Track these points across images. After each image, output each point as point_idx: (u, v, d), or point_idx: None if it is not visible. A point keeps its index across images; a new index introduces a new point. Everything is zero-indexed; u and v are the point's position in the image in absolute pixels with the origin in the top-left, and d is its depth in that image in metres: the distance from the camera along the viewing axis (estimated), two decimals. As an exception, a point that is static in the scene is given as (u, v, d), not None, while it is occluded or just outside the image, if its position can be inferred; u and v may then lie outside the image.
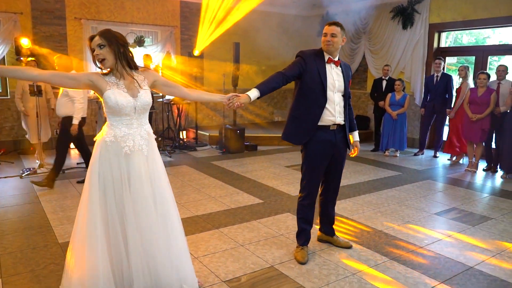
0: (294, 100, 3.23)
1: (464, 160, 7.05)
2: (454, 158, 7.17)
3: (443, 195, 5.23)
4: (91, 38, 2.34)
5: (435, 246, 3.60)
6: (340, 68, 3.20)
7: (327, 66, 3.15)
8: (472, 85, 6.66)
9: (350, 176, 6.01)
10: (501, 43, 7.35)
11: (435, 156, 7.49)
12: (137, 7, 8.32)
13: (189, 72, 8.17)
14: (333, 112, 3.15)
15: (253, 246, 3.54)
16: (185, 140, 8.22)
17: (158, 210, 2.45)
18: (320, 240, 3.65)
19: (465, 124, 6.46)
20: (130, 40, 8.19)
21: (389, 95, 7.51)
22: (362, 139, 8.83)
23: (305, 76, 3.11)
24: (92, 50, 2.35)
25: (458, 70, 6.89)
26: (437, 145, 7.56)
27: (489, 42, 7.53)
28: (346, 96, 3.25)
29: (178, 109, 8.05)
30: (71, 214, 4.24)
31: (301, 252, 3.32)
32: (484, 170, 6.52)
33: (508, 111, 5.95)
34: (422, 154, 7.68)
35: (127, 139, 2.37)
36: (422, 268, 3.18)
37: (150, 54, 7.89)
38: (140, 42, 8.23)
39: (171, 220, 2.52)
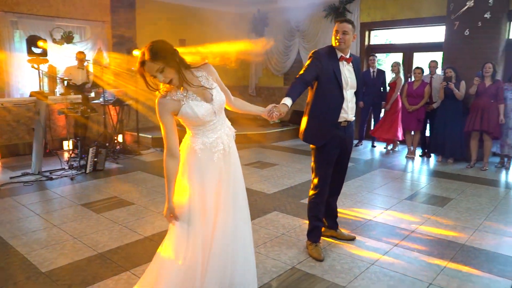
0: (312, 100, 3.22)
1: (399, 148, 7.73)
2: (389, 147, 7.79)
3: (401, 181, 5.68)
4: (142, 64, 2.06)
5: (423, 229, 3.89)
6: (351, 65, 3.23)
7: (340, 64, 3.16)
8: (403, 79, 7.31)
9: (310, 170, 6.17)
10: (425, 42, 8.14)
11: (373, 146, 8.06)
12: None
13: (128, 69, 7.62)
14: (346, 110, 3.21)
15: (263, 249, 3.47)
16: (127, 144, 7.66)
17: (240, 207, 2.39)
18: (323, 235, 3.70)
19: (403, 115, 7.07)
20: (57, 36, 7.39)
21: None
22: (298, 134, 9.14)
23: (322, 76, 3.11)
24: (151, 76, 2.10)
25: (392, 66, 7.49)
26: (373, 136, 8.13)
27: (415, 40, 8.30)
28: (358, 92, 3.31)
29: (119, 111, 7.46)
30: (37, 237, 3.70)
31: (316, 249, 3.33)
32: (420, 156, 7.22)
33: (441, 101, 6.63)
34: (361, 145, 8.21)
35: (217, 143, 2.27)
36: (426, 250, 3.42)
37: (84, 52, 7.19)
38: (68, 38, 7.46)
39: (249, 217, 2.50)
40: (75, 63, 7.17)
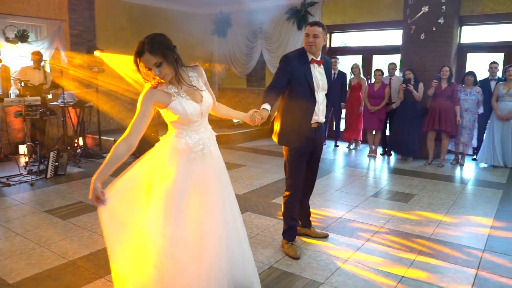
0: (285, 103, 3.25)
1: (360, 147, 8.00)
2: (352, 146, 8.04)
3: (366, 179, 5.88)
4: (140, 54, 2.04)
5: (391, 225, 4.05)
6: (322, 67, 3.28)
7: (311, 67, 3.21)
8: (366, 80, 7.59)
9: (278, 170, 6.25)
10: (384, 45, 8.46)
11: (336, 146, 8.28)
12: (16, -4, 7.14)
13: (89, 71, 7.37)
14: (318, 112, 3.27)
15: (239, 249, 3.47)
16: (88, 147, 7.39)
17: (229, 212, 2.40)
18: (297, 233, 3.75)
19: (365, 116, 7.32)
20: (11, 35, 7.01)
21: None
22: (263, 135, 9.25)
23: (293, 80, 3.16)
24: (146, 68, 2.09)
25: (352, 68, 7.73)
26: (336, 135, 8.36)
27: (373, 43, 8.61)
28: (329, 94, 3.36)
29: (79, 113, 7.19)
30: None
31: (291, 247, 3.39)
32: (381, 154, 7.50)
33: (400, 102, 6.93)
34: (325, 144, 8.40)
35: (198, 144, 2.27)
36: (395, 245, 3.57)
37: (40, 51, 6.86)
38: (23, 37, 7.08)
39: (240, 220, 2.51)
40: (31, 63, 6.84)
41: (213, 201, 2.29)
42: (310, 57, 3.22)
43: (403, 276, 3.02)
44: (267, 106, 2.89)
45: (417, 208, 4.56)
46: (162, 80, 2.14)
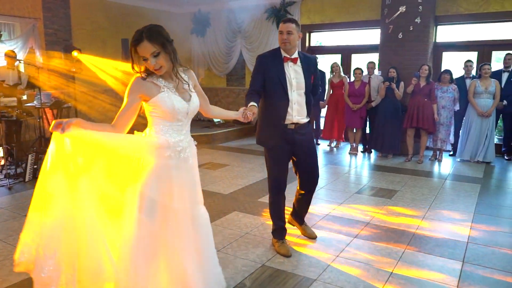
0: (262, 103, 3.20)
1: (341, 145, 8.12)
2: (333, 144, 8.14)
3: (349, 176, 5.97)
4: (137, 42, 1.99)
5: (377, 221, 4.13)
6: (300, 65, 3.17)
7: (285, 65, 3.14)
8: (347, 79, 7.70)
9: (262, 169, 6.26)
10: (362, 44, 8.59)
11: (317, 144, 8.36)
12: (-14, -7, 6.88)
13: (66, 70, 7.17)
14: (291, 112, 3.16)
15: (230, 249, 3.47)
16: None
17: (197, 221, 2.29)
18: (289, 222, 3.71)
19: (347, 114, 7.43)
20: (-18, 33, 6.75)
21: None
22: (244, 134, 9.26)
23: (267, 79, 3.14)
24: (141, 58, 2.04)
25: (332, 67, 7.82)
26: (317, 133, 8.43)
27: (352, 42, 8.73)
28: (307, 93, 3.21)
29: (56, 114, 6.99)
30: (-18, 252, 3.38)
31: (282, 246, 3.40)
32: (361, 152, 7.63)
33: (381, 100, 7.06)
34: (318, 145, 8.46)
35: (178, 145, 2.16)
36: (383, 240, 3.64)
37: (14, 51, 6.63)
38: (-5, 36, 6.84)
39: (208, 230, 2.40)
40: (4, 63, 6.61)
41: (180, 217, 2.17)
42: (284, 55, 3.15)
43: (392, 272, 3.08)
44: (253, 103, 2.89)
45: (401, 203, 4.66)
46: (155, 71, 2.08)
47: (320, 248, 3.48)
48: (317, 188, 5.17)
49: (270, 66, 3.14)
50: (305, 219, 3.74)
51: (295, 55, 3.17)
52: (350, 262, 3.23)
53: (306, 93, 3.21)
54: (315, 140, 8.30)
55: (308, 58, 3.26)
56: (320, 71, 8.09)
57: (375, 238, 3.70)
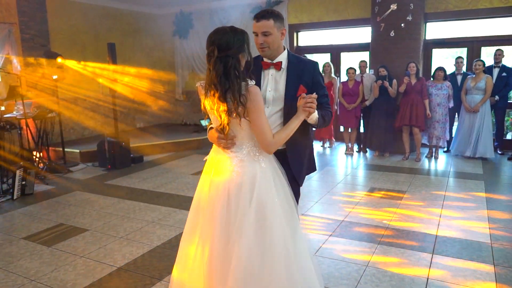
0: None
1: (335, 144, 8.06)
2: (327, 145, 8.06)
3: (353, 178, 5.88)
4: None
5: (396, 222, 4.04)
6: (285, 71, 2.35)
7: (263, 73, 2.38)
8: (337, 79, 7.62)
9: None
10: (351, 42, 8.53)
11: (310, 145, 8.24)
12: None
13: (46, 76, 6.75)
14: None
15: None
16: (52, 161, 6.77)
17: None
18: None
19: (341, 114, 7.35)
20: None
21: (268, 92, 7.87)
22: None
23: None
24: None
25: (324, 67, 7.73)
26: (310, 134, 8.33)
27: (341, 41, 8.66)
28: (289, 111, 2.29)
29: (39, 125, 6.57)
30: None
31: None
32: (357, 151, 7.57)
33: (374, 99, 7.02)
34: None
35: None
36: (408, 241, 3.54)
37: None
38: (-31, 43, 6.35)
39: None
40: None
41: None
42: (265, 60, 2.37)
43: (428, 278, 2.98)
44: None
45: (413, 205, 4.59)
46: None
47: (350, 250, 3.34)
48: (324, 192, 5.09)
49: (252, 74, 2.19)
50: (323, 227, 3.59)
51: (280, 58, 2.34)
52: (381, 272, 3.11)
53: (286, 111, 2.31)
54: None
55: (303, 63, 2.38)
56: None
57: (402, 242, 3.60)
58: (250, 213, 2.02)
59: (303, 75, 2.34)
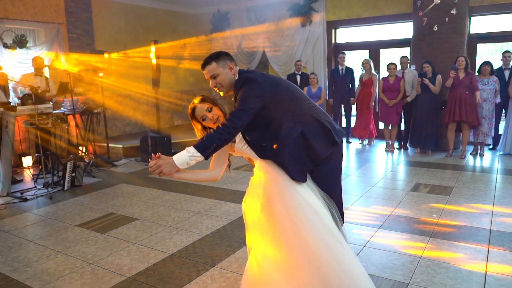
0: None
1: (373, 142, 7.94)
2: (365, 142, 7.96)
3: (395, 174, 5.78)
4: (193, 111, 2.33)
5: (446, 218, 3.93)
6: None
7: None
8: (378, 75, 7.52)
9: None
10: (391, 38, 8.40)
11: (348, 142, 8.17)
12: (11, -1, 6.71)
13: (92, 73, 7.00)
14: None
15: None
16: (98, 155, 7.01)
17: None
18: None
19: (382, 110, 7.24)
20: (8, 40, 6.59)
21: (305, 88, 7.86)
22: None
23: None
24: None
25: (362, 64, 7.65)
26: (348, 132, 8.25)
27: (380, 37, 8.54)
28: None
29: (86, 121, 6.82)
30: (44, 267, 3.20)
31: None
32: (397, 148, 7.43)
33: (416, 95, 6.88)
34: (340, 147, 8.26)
35: None
36: (460, 239, 3.44)
37: (41, 57, 6.47)
38: (21, 42, 6.68)
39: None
40: (31, 69, 6.46)
41: None
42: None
43: (486, 273, 2.89)
44: None
45: (462, 200, 4.47)
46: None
47: (402, 243, 3.29)
48: (367, 188, 5.02)
49: None
50: (371, 220, 3.54)
51: (235, 90, 2.32)
52: (436, 264, 3.04)
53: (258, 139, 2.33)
54: (346, 139, 8.18)
55: (236, 86, 2.31)
56: (348, 68, 7.93)
57: (449, 237, 3.51)
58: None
59: (235, 98, 2.27)
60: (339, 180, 2.42)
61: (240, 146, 2.32)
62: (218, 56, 2.29)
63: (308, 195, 2.19)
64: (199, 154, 2.09)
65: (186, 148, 2.12)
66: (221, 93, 2.36)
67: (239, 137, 2.31)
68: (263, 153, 2.28)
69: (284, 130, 2.23)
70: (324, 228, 2.14)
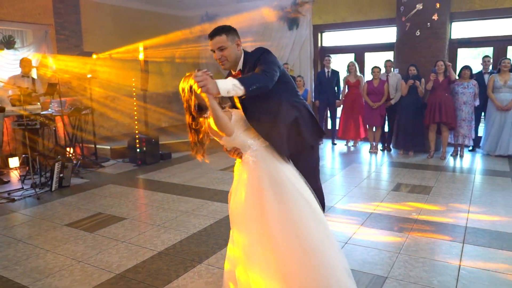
0: None
1: (358, 144, 8.12)
2: (350, 144, 8.13)
3: (379, 175, 5.95)
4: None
5: (424, 215, 4.10)
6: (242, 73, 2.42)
7: None
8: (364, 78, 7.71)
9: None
10: (375, 42, 8.60)
11: (333, 143, 8.33)
12: (-2, -1, 6.72)
13: (81, 72, 7.02)
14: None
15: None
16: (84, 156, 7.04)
17: None
18: None
19: (366, 112, 7.42)
20: (-5, 41, 6.60)
21: (292, 91, 7.98)
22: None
23: None
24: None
25: (348, 66, 7.82)
26: (333, 133, 8.41)
27: (365, 41, 8.73)
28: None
29: (73, 122, 6.85)
30: (34, 265, 3.26)
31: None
32: (381, 150, 7.62)
33: (400, 98, 7.07)
34: (322, 143, 8.44)
35: None
36: (439, 234, 3.60)
37: (29, 58, 6.49)
38: (9, 43, 6.69)
39: None
40: (18, 71, 6.47)
41: None
42: (232, 73, 2.46)
43: (460, 265, 3.05)
44: None
45: (441, 199, 4.64)
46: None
47: (381, 239, 3.43)
48: (351, 187, 5.18)
49: None
50: (354, 217, 3.68)
51: (239, 66, 2.41)
52: (414, 258, 3.19)
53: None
54: (331, 141, 8.34)
55: (252, 56, 2.41)
56: (334, 70, 8.10)
57: (428, 234, 3.66)
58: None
59: (254, 66, 2.31)
60: (318, 170, 2.65)
61: (236, 134, 2.28)
62: (229, 30, 2.33)
63: (292, 173, 2.35)
64: (242, 87, 2.04)
65: (230, 77, 2.15)
66: (223, 67, 2.39)
67: (238, 122, 2.31)
68: (259, 127, 2.32)
69: (282, 112, 2.34)
70: (312, 213, 2.28)
